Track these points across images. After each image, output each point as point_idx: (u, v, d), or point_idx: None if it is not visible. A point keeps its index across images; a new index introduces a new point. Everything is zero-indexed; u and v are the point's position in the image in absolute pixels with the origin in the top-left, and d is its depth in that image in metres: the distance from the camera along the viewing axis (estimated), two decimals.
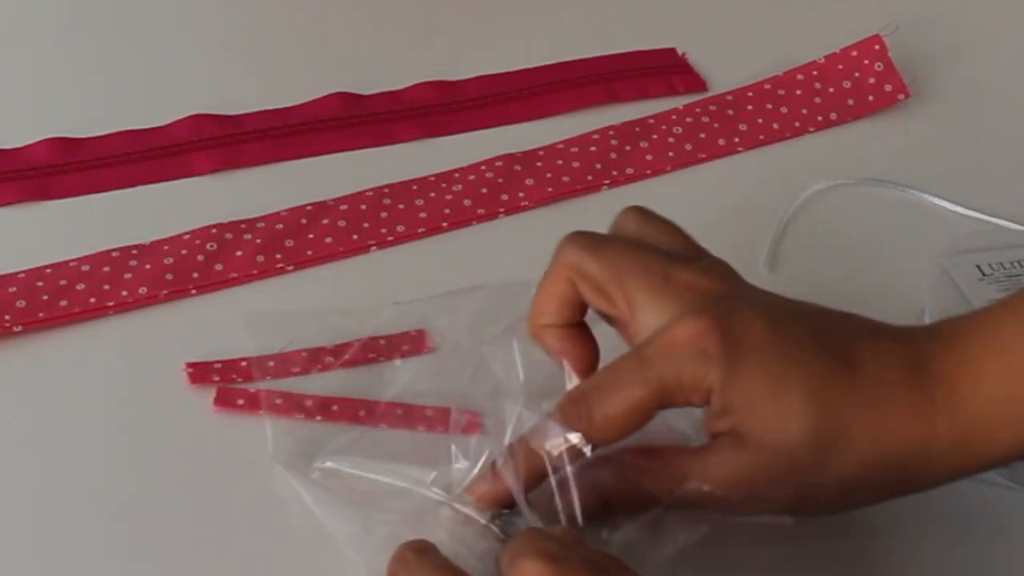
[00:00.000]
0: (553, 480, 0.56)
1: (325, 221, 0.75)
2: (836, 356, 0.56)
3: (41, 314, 0.69)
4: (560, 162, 0.80)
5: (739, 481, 0.55)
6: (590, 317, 0.61)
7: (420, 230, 0.76)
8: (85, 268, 0.71)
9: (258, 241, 0.74)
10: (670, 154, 0.82)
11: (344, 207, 0.76)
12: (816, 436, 0.54)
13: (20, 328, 0.68)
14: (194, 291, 0.71)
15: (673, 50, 0.89)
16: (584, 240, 0.60)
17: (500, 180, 0.79)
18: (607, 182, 0.80)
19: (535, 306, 0.61)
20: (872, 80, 0.86)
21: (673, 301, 0.57)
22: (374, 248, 0.75)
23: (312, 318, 0.68)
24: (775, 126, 0.84)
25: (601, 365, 0.60)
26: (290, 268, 0.73)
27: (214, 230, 0.74)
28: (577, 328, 0.61)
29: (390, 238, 0.75)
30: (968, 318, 0.58)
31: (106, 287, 0.70)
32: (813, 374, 0.55)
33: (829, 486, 0.55)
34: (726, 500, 0.56)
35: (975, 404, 0.55)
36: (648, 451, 0.57)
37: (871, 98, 0.86)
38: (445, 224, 0.76)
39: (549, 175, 0.79)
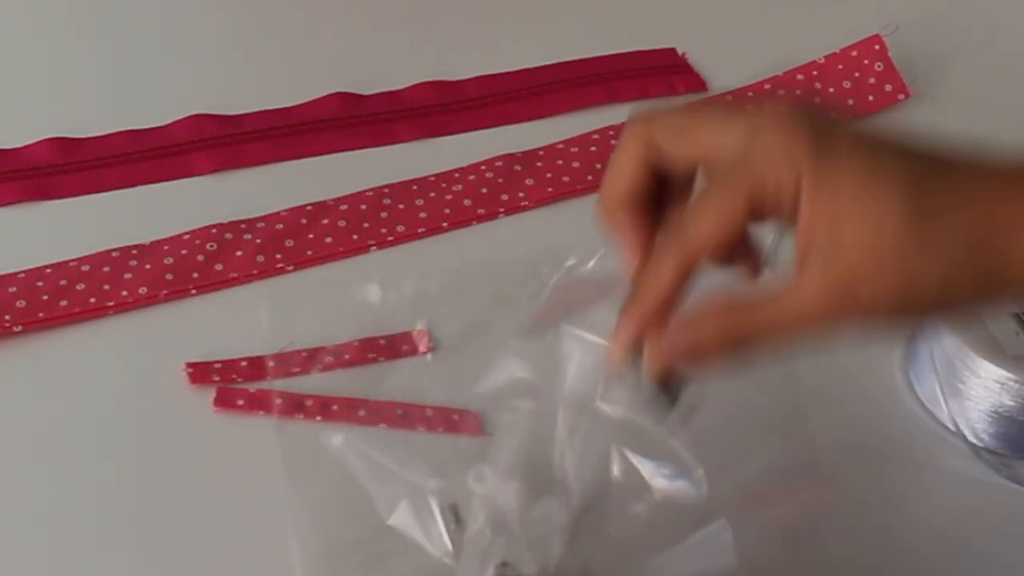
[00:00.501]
0: None
1: (325, 221, 0.75)
2: (931, 161, 0.54)
3: (41, 314, 0.69)
4: (560, 162, 0.80)
5: (845, 281, 0.53)
6: None
7: (420, 230, 0.76)
8: (85, 268, 0.71)
9: (258, 241, 0.74)
10: None
11: (344, 207, 0.76)
12: (914, 225, 0.52)
13: (20, 328, 0.68)
14: (194, 291, 0.71)
15: (673, 50, 0.90)
16: (649, 108, 0.58)
17: (500, 180, 0.79)
18: None
19: (609, 176, 0.57)
20: (872, 80, 0.86)
21: (756, 117, 0.55)
22: (374, 248, 0.75)
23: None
24: None
25: None
26: (290, 268, 0.73)
27: (214, 230, 0.74)
28: (648, 213, 0.58)
29: (390, 238, 0.75)
30: None
31: (106, 287, 0.70)
32: (905, 170, 0.53)
33: (933, 273, 0.53)
34: (834, 312, 0.53)
35: None
36: (743, 303, 0.54)
37: (871, 98, 0.86)
38: (445, 224, 0.76)
39: (549, 175, 0.79)
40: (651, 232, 0.58)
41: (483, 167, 0.79)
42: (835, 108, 0.55)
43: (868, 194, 0.53)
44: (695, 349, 0.55)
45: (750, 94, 0.85)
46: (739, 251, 0.57)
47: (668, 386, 0.56)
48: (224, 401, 0.66)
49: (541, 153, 0.81)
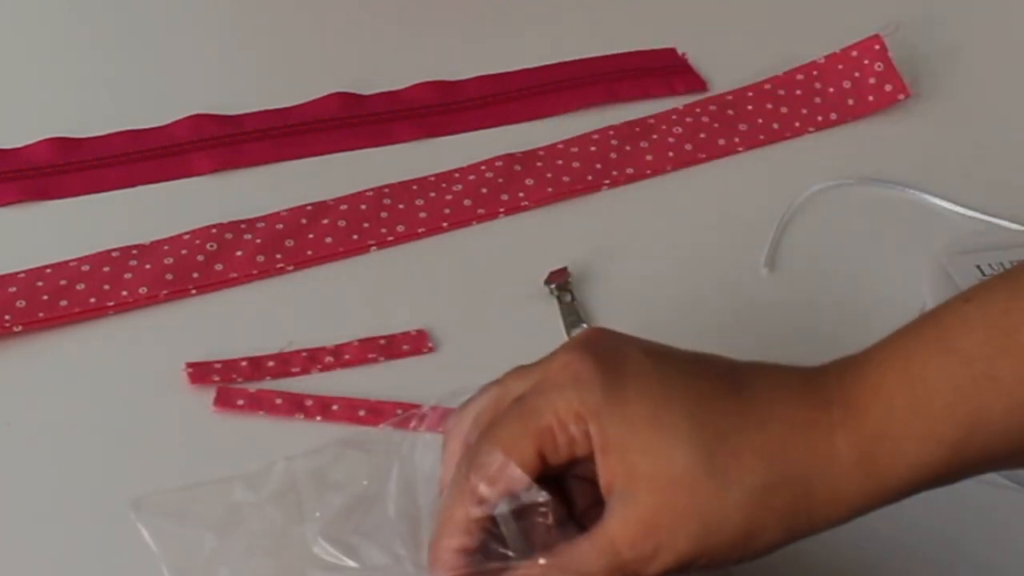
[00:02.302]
0: None
1: (325, 221, 0.75)
2: (721, 380, 0.52)
3: (41, 314, 0.69)
4: (560, 162, 0.80)
5: (642, 532, 0.51)
6: None
7: (420, 230, 0.76)
8: (85, 268, 0.71)
9: (258, 241, 0.74)
10: (670, 154, 0.82)
11: (344, 207, 0.76)
12: (707, 462, 0.50)
13: (20, 328, 0.68)
14: (194, 291, 0.71)
15: (673, 50, 0.89)
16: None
17: (500, 180, 0.79)
18: (607, 182, 0.80)
19: (441, 532, 0.53)
20: (872, 80, 0.86)
21: (546, 363, 0.53)
22: (374, 248, 0.75)
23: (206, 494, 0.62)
24: (775, 126, 0.84)
25: None
26: (290, 268, 0.73)
27: (214, 230, 0.74)
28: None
29: (390, 238, 0.75)
30: (868, 349, 0.54)
31: (106, 287, 0.70)
32: (696, 398, 0.51)
33: (733, 520, 0.51)
34: (637, 561, 0.51)
35: (876, 416, 0.51)
36: (543, 555, 0.52)
37: (871, 98, 0.86)
38: (445, 224, 0.76)
39: (549, 175, 0.79)
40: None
41: (483, 167, 0.79)
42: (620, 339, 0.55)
43: (658, 429, 0.51)
44: None
45: (750, 94, 0.85)
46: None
47: None
48: (224, 401, 0.66)
49: (541, 153, 0.81)
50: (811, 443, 0.51)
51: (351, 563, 0.56)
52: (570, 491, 0.54)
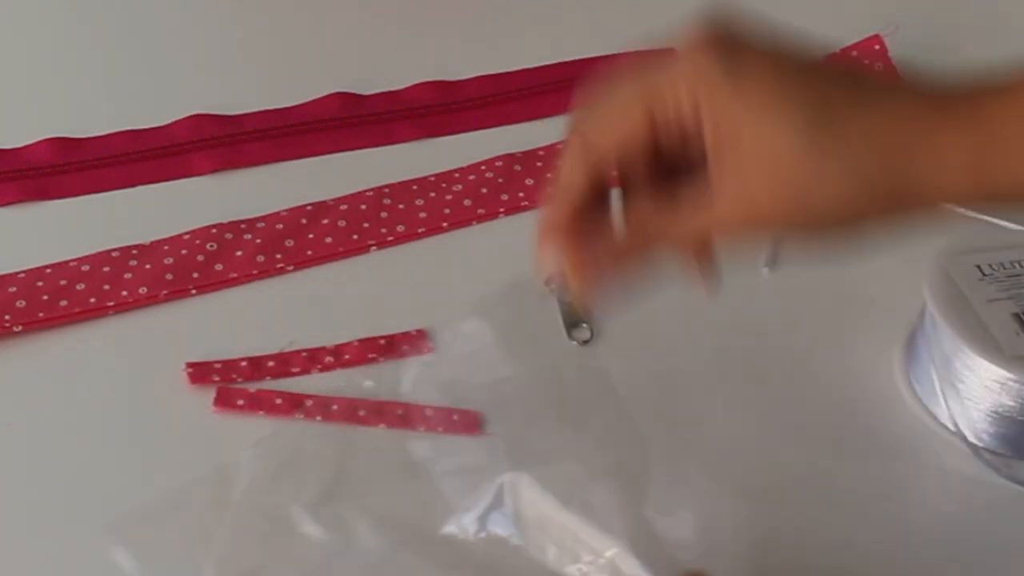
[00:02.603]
0: None
1: (325, 221, 0.75)
2: (841, 77, 0.54)
3: (41, 314, 0.69)
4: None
5: (742, 199, 0.53)
6: None
7: (420, 230, 0.76)
8: (85, 268, 0.71)
9: (258, 241, 0.74)
10: None
11: (344, 207, 0.76)
12: (812, 140, 0.52)
13: (20, 328, 0.68)
14: (194, 291, 0.71)
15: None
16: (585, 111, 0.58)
17: (500, 180, 0.79)
18: None
19: (558, 192, 0.56)
20: None
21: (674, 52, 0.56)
22: (374, 248, 0.75)
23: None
24: None
25: None
26: (290, 268, 0.73)
27: (214, 230, 0.74)
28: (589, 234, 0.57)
29: (390, 238, 0.75)
30: (994, 74, 0.55)
31: (106, 287, 0.70)
32: (813, 88, 0.53)
33: (828, 190, 0.53)
34: (735, 222, 0.54)
35: (998, 118, 0.52)
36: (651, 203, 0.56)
37: None
38: (445, 224, 0.76)
39: (549, 175, 0.79)
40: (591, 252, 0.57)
41: (483, 167, 0.79)
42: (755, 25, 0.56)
43: (770, 108, 0.53)
44: (615, 256, 0.56)
45: None
46: (702, 256, 0.57)
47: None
48: (224, 401, 0.66)
49: (541, 153, 0.81)
50: (924, 137, 0.52)
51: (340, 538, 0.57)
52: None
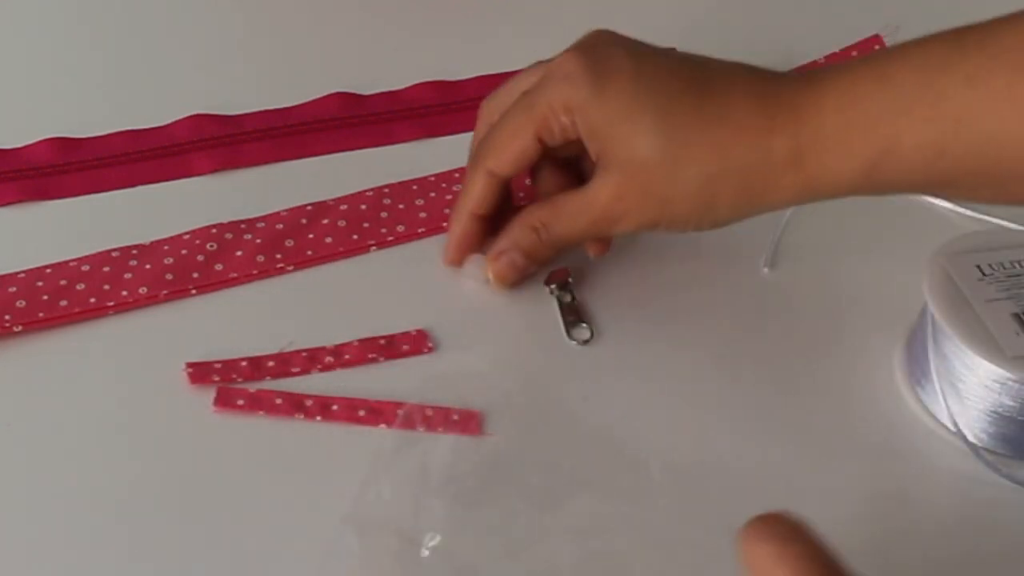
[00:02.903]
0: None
1: (325, 221, 0.75)
2: (690, 83, 0.64)
3: (41, 314, 0.69)
4: None
5: (613, 200, 0.65)
6: None
7: (420, 230, 0.76)
8: (85, 268, 0.71)
9: (258, 241, 0.74)
10: None
11: (344, 207, 0.76)
12: (664, 151, 0.63)
13: (20, 328, 0.68)
14: (194, 291, 0.71)
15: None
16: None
17: None
18: None
19: (461, 202, 0.72)
20: None
21: (546, 68, 0.69)
22: (374, 248, 0.75)
23: None
24: None
25: None
26: (290, 268, 0.73)
27: (214, 230, 0.74)
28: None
29: (390, 238, 0.75)
30: (826, 67, 0.67)
31: (106, 287, 0.70)
32: (665, 96, 0.63)
33: (685, 198, 0.64)
34: (608, 220, 0.67)
35: (813, 127, 0.61)
36: (545, 201, 0.70)
37: None
38: (445, 224, 0.76)
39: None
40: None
41: None
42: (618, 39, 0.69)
43: (629, 121, 0.64)
44: (524, 254, 0.70)
45: None
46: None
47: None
48: (224, 401, 0.66)
49: None
50: (754, 142, 0.62)
51: None
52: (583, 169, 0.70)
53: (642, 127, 0.63)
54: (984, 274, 0.69)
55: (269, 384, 0.67)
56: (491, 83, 0.85)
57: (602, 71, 0.65)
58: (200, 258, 0.72)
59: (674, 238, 0.79)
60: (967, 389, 0.66)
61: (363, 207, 0.76)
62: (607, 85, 0.64)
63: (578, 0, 0.94)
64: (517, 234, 0.70)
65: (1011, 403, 0.65)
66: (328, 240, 0.74)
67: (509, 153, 0.68)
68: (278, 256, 0.73)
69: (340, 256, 0.74)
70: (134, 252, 0.72)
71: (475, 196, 0.70)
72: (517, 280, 0.71)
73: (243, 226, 0.74)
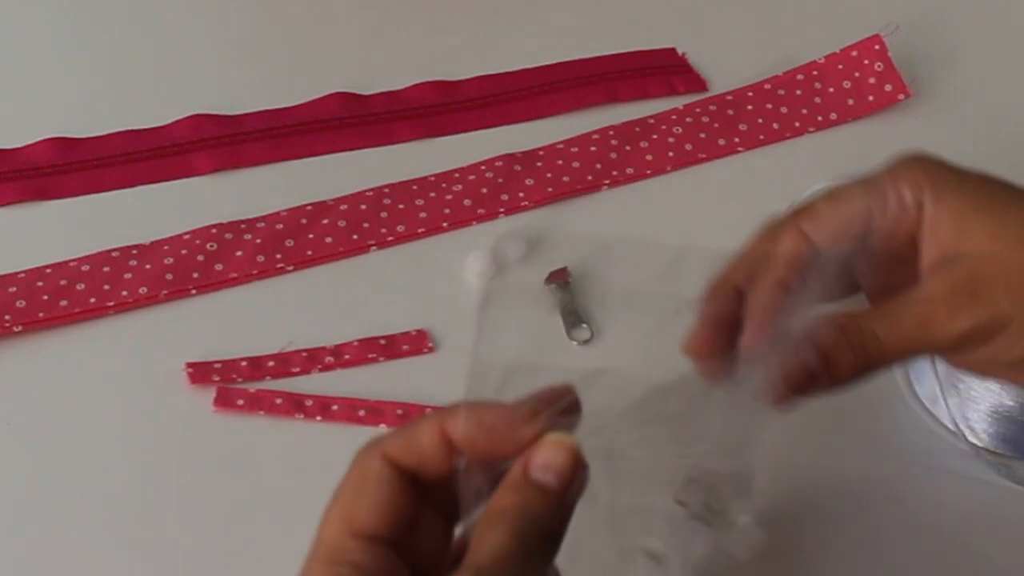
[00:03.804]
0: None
1: (325, 221, 0.75)
2: None
3: (41, 314, 0.69)
4: (560, 162, 0.80)
5: (964, 279, 0.50)
6: None
7: (420, 230, 0.76)
8: (85, 268, 0.71)
9: (258, 241, 0.74)
10: (670, 154, 0.82)
11: (344, 207, 0.76)
12: None
13: (20, 328, 0.68)
14: (194, 291, 0.71)
15: (673, 50, 0.89)
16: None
17: (500, 180, 0.79)
18: (607, 182, 0.80)
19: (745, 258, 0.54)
20: (872, 80, 0.86)
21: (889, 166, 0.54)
22: (374, 248, 0.75)
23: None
24: (775, 126, 0.84)
25: None
26: (290, 268, 0.73)
27: (214, 230, 0.74)
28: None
29: (390, 238, 0.75)
30: None
31: (106, 287, 0.70)
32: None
33: None
34: (953, 313, 0.50)
35: None
36: (867, 313, 0.52)
37: (871, 98, 0.86)
38: (445, 224, 0.76)
39: (549, 175, 0.79)
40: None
41: (483, 167, 0.79)
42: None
43: (990, 214, 0.51)
44: (823, 355, 0.51)
45: (750, 94, 0.85)
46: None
47: None
48: (224, 401, 0.66)
49: (541, 153, 0.81)
50: None
51: None
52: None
53: (1005, 223, 0.51)
54: None
55: (269, 384, 0.67)
56: (491, 83, 0.86)
57: (946, 177, 0.53)
58: (200, 258, 0.72)
59: (674, 239, 0.78)
60: (967, 389, 0.66)
61: (363, 207, 0.76)
62: (957, 187, 0.52)
63: (578, 0, 0.94)
64: (817, 332, 0.51)
65: (1011, 403, 0.65)
66: (328, 240, 0.74)
67: (831, 218, 0.53)
68: (278, 256, 0.73)
69: (340, 256, 0.74)
70: (134, 252, 0.72)
71: (784, 262, 0.53)
72: (802, 391, 0.52)
73: (243, 226, 0.74)
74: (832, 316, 0.51)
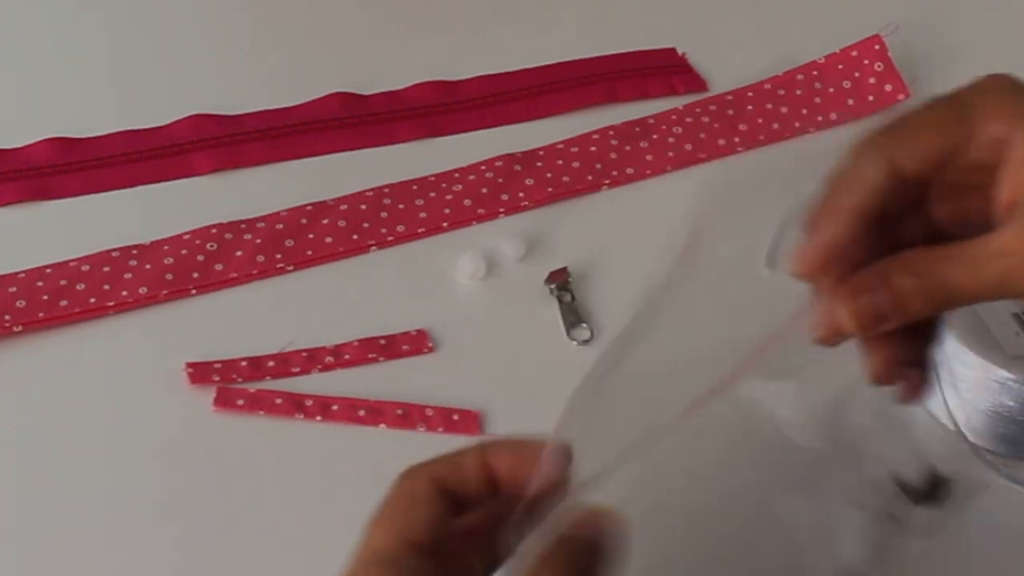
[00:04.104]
0: None
1: (325, 221, 0.75)
2: None
3: (41, 314, 0.69)
4: (560, 162, 0.80)
5: None
6: None
7: (420, 230, 0.76)
8: (85, 268, 0.71)
9: (258, 241, 0.74)
10: (670, 154, 0.82)
11: (344, 207, 0.76)
12: None
13: (20, 328, 0.68)
14: (194, 291, 0.71)
15: (673, 50, 0.89)
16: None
17: (500, 180, 0.79)
18: (607, 182, 0.80)
19: (836, 194, 0.52)
20: (872, 80, 0.86)
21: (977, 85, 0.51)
22: (374, 248, 0.75)
23: None
24: (775, 126, 0.84)
25: None
26: (290, 268, 0.73)
27: (214, 230, 0.74)
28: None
29: (390, 238, 0.75)
30: None
31: (106, 287, 0.70)
32: None
33: None
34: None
35: None
36: (939, 251, 0.50)
37: (871, 98, 0.86)
38: (445, 224, 0.76)
39: (549, 175, 0.79)
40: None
41: (483, 167, 0.79)
42: None
43: None
44: (893, 298, 0.50)
45: (750, 94, 0.85)
46: (905, 368, 0.53)
47: None
48: (224, 401, 0.66)
49: (541, 153, 0.81)
50: None
51: None
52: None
53: None
54: None
55: (269, 384, 0.67)
56: (491, 83, 0.86)
57: None
58: (200, 258, 0.72)
59: (674, 239, 0.78)
60: (967, 389, 0.66)
61: (363, 207, 0.76)
62: None
63: (578, 0, 0.94)
64: (889, 271, 0.50)
65: (1011, 403, 0.65)
66: (328, 240, 0.74)
67: (924, 146, 0.50)
68: (278, 256, 0.73)
69: (340, 256, 0.74)
70: (134, 252, 0.72)
71: (867, 187, 0.50)
72: (874, 329, 0.51)
73: (243, 226, 0.74)
74: (905, 258, 0.50)
